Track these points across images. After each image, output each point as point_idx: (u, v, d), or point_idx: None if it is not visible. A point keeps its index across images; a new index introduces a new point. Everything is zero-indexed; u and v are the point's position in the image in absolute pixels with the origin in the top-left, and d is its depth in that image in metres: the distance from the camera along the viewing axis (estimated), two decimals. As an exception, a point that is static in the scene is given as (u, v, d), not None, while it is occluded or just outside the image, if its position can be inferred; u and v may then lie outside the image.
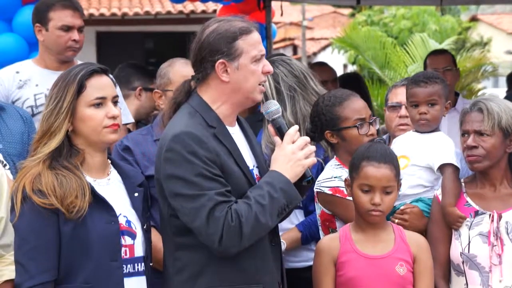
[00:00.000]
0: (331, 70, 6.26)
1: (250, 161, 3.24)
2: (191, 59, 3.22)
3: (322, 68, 5.89)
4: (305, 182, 3.21)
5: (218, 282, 3.08)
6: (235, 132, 3.24)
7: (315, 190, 3.75)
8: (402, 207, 3.69)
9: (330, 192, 3.67)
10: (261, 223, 3.00)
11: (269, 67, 3.19)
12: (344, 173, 3.64)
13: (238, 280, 3.09)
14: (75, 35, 4.69)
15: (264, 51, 3.20)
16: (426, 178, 3.75)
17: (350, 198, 3.46)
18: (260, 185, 3.08)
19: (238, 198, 3.05)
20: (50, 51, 4.72)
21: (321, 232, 3.80)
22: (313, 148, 3.17)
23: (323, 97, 3.90)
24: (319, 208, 3.79)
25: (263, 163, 3.32)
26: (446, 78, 5.61)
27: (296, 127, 3.20)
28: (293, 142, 3.15)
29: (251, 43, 3.15)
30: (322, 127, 3.80)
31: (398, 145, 3.88)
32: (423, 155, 3.75)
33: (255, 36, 3.17)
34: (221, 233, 2.96)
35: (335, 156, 3.83)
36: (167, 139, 3.06)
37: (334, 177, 3.69)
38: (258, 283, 3.12)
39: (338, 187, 3.65)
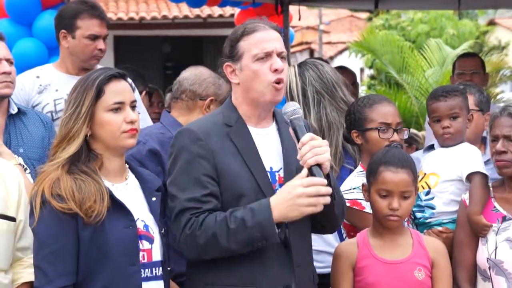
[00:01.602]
0: (351, 74, 6.29)
1: (274, 163, 3.20)
2: None
3: (342, 72, 5.90)
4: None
5: (212, 281, 3.12)
6: (266, 133, 3.23)
7: None
8: (441, 229, 3.71)
9: (348, 204, 3.66)
10: (219, 243, 3.00)
11: (277, 65, 3.14)
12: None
13: (232, 281, 3.10)
14: (101, 44, 4.70)
15: (271, 49, 3.15)
16: (458, 193, 3.74)
17: (367, 211, 3.45)
18: (245, 208, 3.02)
19: (234, 198, 3.07)
20: (74, 58, 4.72)
21: None
22: (325, 190, 2.99)
23: (359, 98, 3.94)
24: None
25: (293, 167, 3.18)
26: (473, 81, 5.60)
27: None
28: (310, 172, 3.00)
29: (253, 43, 3.15)
30: (351, 127, 3.83)
31: (427, 163, 3.88)
32: (452, 168, 3.75)
33: (259, 35, 3.16)
34: (179, 237, 3.08)
35: (360, 162, 3.84)
36: None
37: (353, 189, 3.69)
38: (252, 285, 3.09)
39: (356, 199, 3.65)
